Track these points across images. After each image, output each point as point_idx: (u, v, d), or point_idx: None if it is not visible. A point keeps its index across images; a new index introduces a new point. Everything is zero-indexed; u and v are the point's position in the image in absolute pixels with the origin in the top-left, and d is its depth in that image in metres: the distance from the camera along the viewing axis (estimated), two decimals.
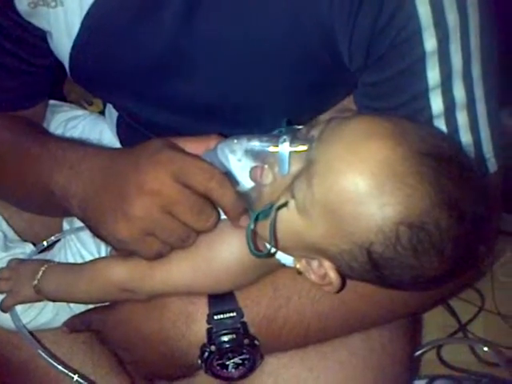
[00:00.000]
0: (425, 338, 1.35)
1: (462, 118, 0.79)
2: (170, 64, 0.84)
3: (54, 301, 0.90)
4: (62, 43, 0.87)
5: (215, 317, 0.83)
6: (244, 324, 0.83)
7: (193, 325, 0.84)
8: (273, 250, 0.74)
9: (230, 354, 0.83)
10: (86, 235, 0.93)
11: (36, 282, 0.88)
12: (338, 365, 0.89)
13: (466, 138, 0.79)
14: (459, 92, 0.77)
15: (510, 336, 1.37)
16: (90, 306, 0.92)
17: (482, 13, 0.76)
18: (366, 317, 0.87)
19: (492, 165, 0.82)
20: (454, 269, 0.71)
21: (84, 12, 0.83)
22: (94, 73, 0.90)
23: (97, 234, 0.80)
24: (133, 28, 0.83)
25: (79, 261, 0.93)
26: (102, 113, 1.19)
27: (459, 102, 0.78)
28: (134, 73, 0.87)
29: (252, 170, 0.74)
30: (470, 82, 0.77)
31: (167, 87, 0.88)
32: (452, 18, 0.74)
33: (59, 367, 0.90)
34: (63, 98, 1.25)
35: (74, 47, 0.87)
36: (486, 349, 1.27)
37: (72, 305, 0.92)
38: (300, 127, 0.77)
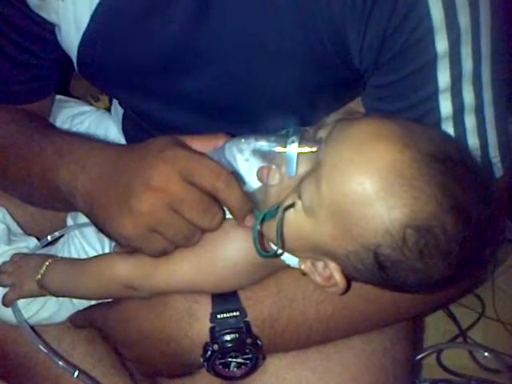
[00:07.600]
0: (425, 343, 1.35)
1: (469, 121, 0.79)
2: (179, 60, 0.84)
3: (56, 296, 0.90)
4: (71, 37, 0.87)
5: (218, 316, 0.83)
6: (247, 323, 0.83)
7: (196, 323, 0.84)
8: (279, 250, 0.74)
9: (232, 354, 0.83)
10: (90, 231, 0.93)
11: (39, 276, 0.88)
12: (340, 366, 0.89)
13: (472, 141, 0.79)
14: (468, 95, 0.77)
15: (509, 343, 1.37)
16: (93, 302, 0.92)
17: (493, 17, 0.75)
18: (369, 319, 0.87)
19: (498, 169, 0.82)
20: (459, 272, 0.71)
21: (94, 5, 0.83)
22: (102, 67, 0.90)
23: (102, 229, 0.79)
24: (142, 23, 0.83)
25: (82, 256, 0.92)
26: (109, 109, 1.18)
27: (468, 105, 0.78)
28: (142, 68, 0.87)
29: (259, 170, 0.74)
30: (480, 86, 0.77)
31: (175, 83, 0.87)
32: (464, 20, 0.73)
33: (60, 363, 0.89)
34: (68, 94, 1.24)
35: (82, 41, 0.86)
36: (486, 354, 1.27)
37: (74, 300, 0.92)
38: (307, 128, 0.77)
